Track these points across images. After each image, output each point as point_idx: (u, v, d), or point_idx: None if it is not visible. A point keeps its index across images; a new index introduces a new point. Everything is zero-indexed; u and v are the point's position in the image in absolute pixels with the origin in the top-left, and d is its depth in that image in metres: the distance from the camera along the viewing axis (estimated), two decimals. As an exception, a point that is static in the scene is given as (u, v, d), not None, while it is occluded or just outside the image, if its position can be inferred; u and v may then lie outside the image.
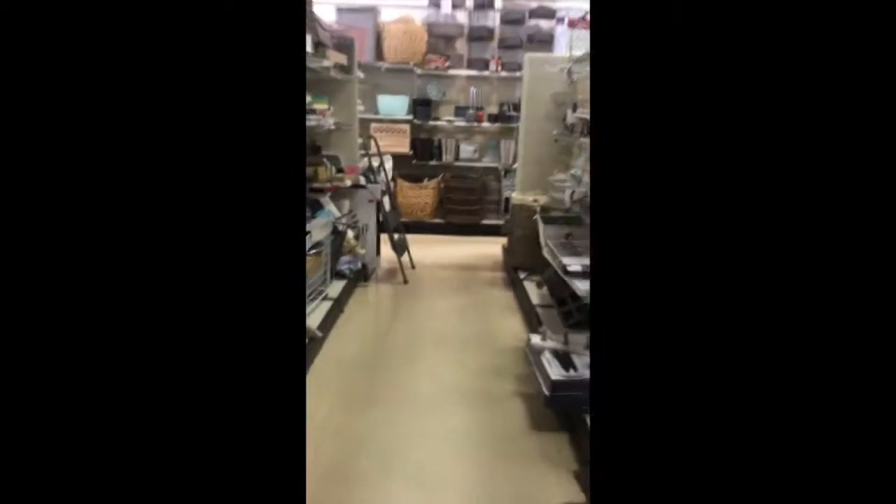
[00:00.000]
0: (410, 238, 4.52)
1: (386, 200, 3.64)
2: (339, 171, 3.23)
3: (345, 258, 3.19)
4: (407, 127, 5.06)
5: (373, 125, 5.06)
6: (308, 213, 2.82)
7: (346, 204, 3.27)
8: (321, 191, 2.77)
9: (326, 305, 2.76)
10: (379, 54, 4.94)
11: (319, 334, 2.36)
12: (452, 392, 2.17)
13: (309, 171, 2.52)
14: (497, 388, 2.22)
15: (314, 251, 2.30)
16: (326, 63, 2.62)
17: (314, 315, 2.59)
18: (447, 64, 4.98)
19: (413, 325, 2.86)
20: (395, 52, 4.88)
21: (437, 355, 2.52)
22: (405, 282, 3.56)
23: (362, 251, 3.28)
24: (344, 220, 3.06)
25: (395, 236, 3.64)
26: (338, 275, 3.16)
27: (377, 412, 2.01)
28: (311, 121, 2.58)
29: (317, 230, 2.48)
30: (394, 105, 5.05)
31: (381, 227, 3.61)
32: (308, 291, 2.55)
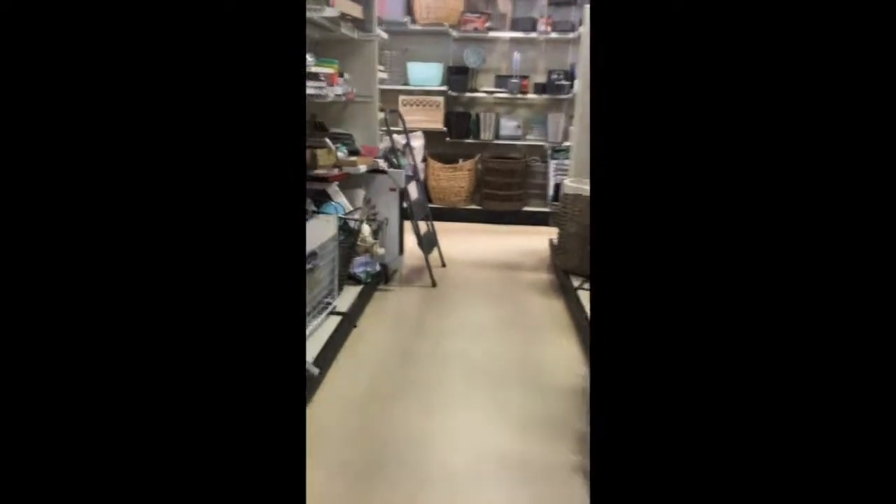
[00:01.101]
0: (442, 227, 3.92)
1: (412, 188, 3.05)
2: (354, 153, 2.64)
3: (360, 259, 2.63)
4: (440, 99, 4.42)
5: (401, 98, 4.43)
6: (309, 209, 2.25)
7: (361, 194, 2.69)
8: (323, 180, 2.19)
9: (333, 323, 2.21)
10: (409, 14, 4.28)
11: (315, 371, 1.81)
12: (488, 461, 1.59)
13: (306, 155, 1.94)
14: (550, 455, 1.63)
15: (310, 265, 1.74)
16: (330, 12, 2.00)
17: (315, 338, 2.04)
18: (487, 25, 4.29)
19: (439, 348, 2.29)
20: (427, 11, 4.22)
21: (469, 398, 1.94)
22: (433, 284, 2.98)
23: (381, 251, 2.71)
24: (357, 215, 2.48)
25: (423, 230, 3.05)
26: (351, 279, 2.61)
27: (386, 493, 1.45)
28: (310, 89, 1.98)
29: (316, 232, 1.91)
30: (426, 74, 4.40)
31: (406, 217, 3.02)
32: (306, 309, 2.00)
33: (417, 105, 4.45)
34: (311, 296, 2.06)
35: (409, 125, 4.52)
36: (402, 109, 4.45)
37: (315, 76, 2.11)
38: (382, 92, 4.68)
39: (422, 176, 4.53)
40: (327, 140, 2.20)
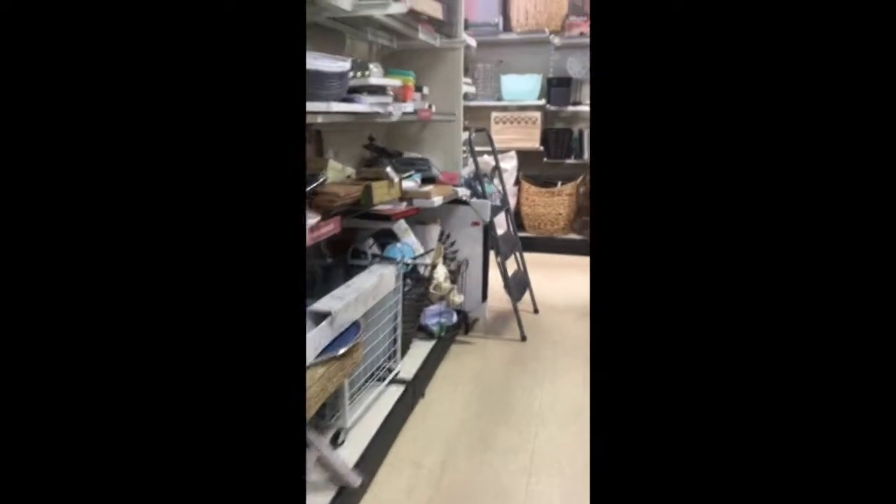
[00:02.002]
0: (535, 260, 3.38)
1: (500, 220, 2.56)
2: (429, 180, 2.21)
3: (433, 309, 2.18)
4: (538, 115, 3.91)
5: (493, 115, 3.98)
6: (368, 253, 1.83)
7: (436, 230, 2.24)
8: (386, 217, 1.77)
9: (394, 394, 1.76)
10: (505, 22, 3.83)
11: (356, 482, 1.35)
12: None
13: (352, 190, 1.50)
14: None
15: (355, 337, 1.30)
16: (397, 8, 1.58)
17: (365, 422, 1.61)
18: (595, 29, 3.73)
19: (527, 441, 1.76)
20: (525, 16, 3.74)
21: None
22: (522, 338, 2.46)
23: (459, 298, 2.24)
24: (429, 258, 2.03)
25: (511, 270, 2.54)
26: (421, 330, 2.16)
27: None
28: (364, 105, 1.57)
29: (368, 288, 1.47)
30: (522, 87, 3.92)
31: (489, 251, 2.53)
32: (354, 389, 1.56)
33: (511, 122, 3.97)
34: (366, 364, 1.62)
35: (500, 145, 4.05)
36: (493, 128, 3.99)
37: (379, 90, 1.69)
38: (471, 109, 4.24)
39: (513, 202, 4.02)
40: (389, 170, 1.77)
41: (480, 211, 2.33)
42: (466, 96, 4.02)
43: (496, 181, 2.72)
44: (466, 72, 4.03)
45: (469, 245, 2.39)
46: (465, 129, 2.51)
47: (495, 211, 2.43)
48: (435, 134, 2.44)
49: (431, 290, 2.14)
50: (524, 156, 4.03)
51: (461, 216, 2.37)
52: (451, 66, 2.37)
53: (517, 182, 4.05)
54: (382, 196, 1.61)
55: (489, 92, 4.03)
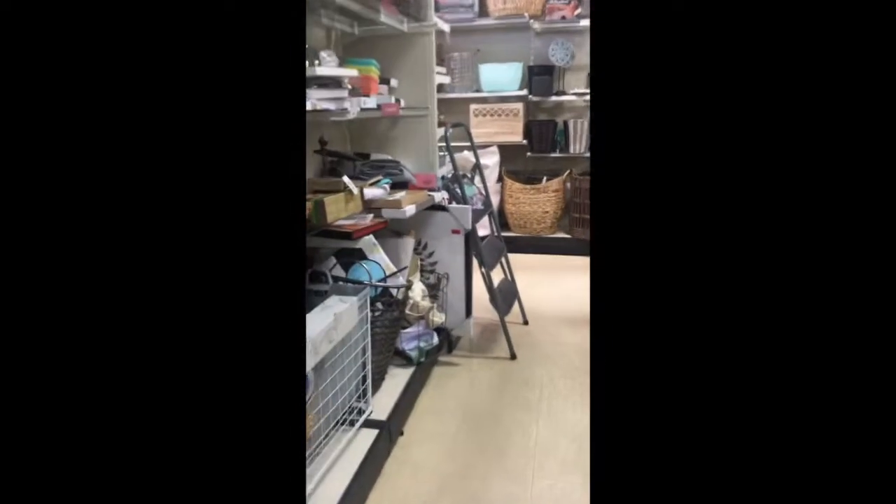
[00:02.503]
0: (521, 262, 3.13)
1: (484, 223, 2.30)
2: (401, 186, 1.93)
3: (410, 332, 1.91)
4: (519, 106, 3.65)
5: (472, 108, 3.71)
6: (329, 279, 1.55)
7: (408, 243, 1.97)
8: (346, 235, 1.48)
9: (367, 439, 1.50)
10: (481, 7, 3.56)
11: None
12: None
13: (307, 205, 1.22)
14: None
15: (309, 391, 1.02)
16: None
17: (333, 476, 1.34)
18: (578, 12, 3.47)
19: (525, 487, 1.51)
20: (503, 1, 3.47)
21: None
22: (512, 356, 2.21)
23: (439, 318, 1.97)
24: (402, 277, 1.76)
25: (497, 281, 2.28)
26: (398, 355, 1.89)
27: None
28: (314, 101, 1.28)
29: (320, 328, 1.20)
30: (501, 77, 3.65)
31: (471, 260, 2.26)
32: (314, 446, 1.29)
33: (492, 115, 3.70)
34: (328, 414, 1.35)
35: (481, 140, 3.78)
36: (473, 122, 3.72)
37: (332, 82, 1.41)
38: (447, 102, 3.95)
39: (496, 200, 3.76)
40: (346, 179, 1.49)
41: (461, 217, 2.06)
42: (441, 88, 3.74)
43: (477, 181, 2.46)
44: (441, 62, 3.75)
45: (449, 255, 2.12)
46: (441, 124, 2.24)
47: (477, 215, 2.17)
48: (407, 132, 2.17)
49: (408, 311, 1.87)
50: (507, 150, 3.77)
51: (440, 224, 2.10)
52: (422, 53, 2.10)
53: (500, 178, 3.80)
54: (338, 212, 1.34)
55: (467, 83, 3.76)
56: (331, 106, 1.35)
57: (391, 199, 1.70)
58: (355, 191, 1.43)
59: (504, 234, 3.83)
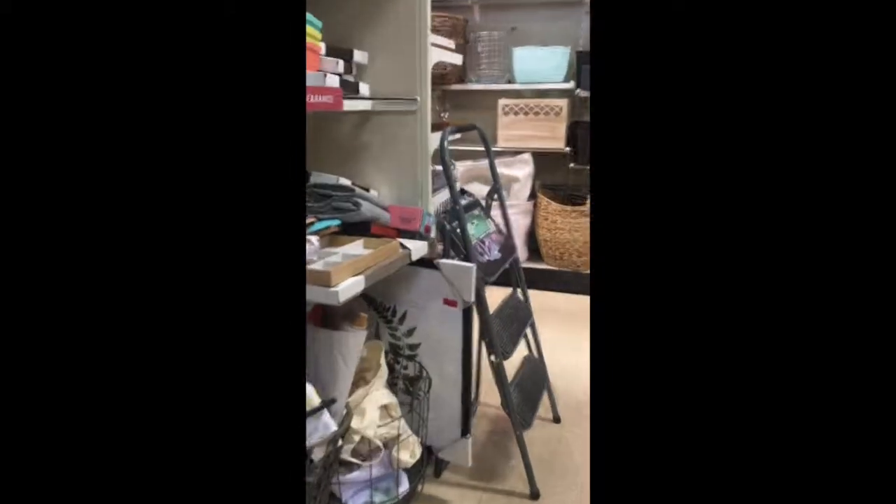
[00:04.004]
0: (554, 303, 2.31)
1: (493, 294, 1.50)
2: (357, 228, 1.15)
3: (358, 477, 1.13)
4: (563, 103, 2.81)
5: (502, 103, 2.89)
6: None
7: (352, 341, 1.13)
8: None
9: None
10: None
11: None
12: None
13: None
14: None
15: None
16: None
17: None
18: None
19: None
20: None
21: None
22: (534, 495, 1.40)
23: (412, 457, 1.18)
24: (329, 419, 0.96)
25: (518, 363, 1.48)
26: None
27: None
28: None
29: None
30: (541, 64, 2.82)
31: (470, 341, 1.44)
32: None
33: (526, 113, 2.88)
34: None
35: (511, 144, 2.96)
36: (501, 121, 2.90)
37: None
38: (464, 94, 3.07)
39: (526, 222, 2.94)
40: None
41: (458, 281, 1.26)
42: (448, 75, 2.90)
43: (497, 212, 1.65)
44: (464, 41, 2.95)
45: (439, 334, 1.33)
46: (441, 126, 1.44)
47: (491, 269, 1.37)
48: (382, 137, 1.38)
49: (353, 445, 1.09)
50: (543, 160, 2.94)
51: (426, 284, 1.31)
52: (409, 14, 1.30)
53: (533, 194, 2.97)
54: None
55: (496, 71, 2.94)
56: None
57: (316, 268, 0.92)
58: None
59: (535, 265, 3.05)
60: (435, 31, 2.78)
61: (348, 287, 0.93)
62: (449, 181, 1.31)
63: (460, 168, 2.95)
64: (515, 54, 2.85)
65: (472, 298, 1.26)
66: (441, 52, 1.43)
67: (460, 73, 3.00)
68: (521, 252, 3.00)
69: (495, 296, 1.60)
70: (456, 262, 1.26)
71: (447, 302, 1.28)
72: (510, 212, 2.91)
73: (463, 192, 3.12)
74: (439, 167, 1.37)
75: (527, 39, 2.91)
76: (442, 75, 2.88)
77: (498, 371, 1.38)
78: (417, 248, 1.22)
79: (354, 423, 1.05)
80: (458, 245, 1.33)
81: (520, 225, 2.93)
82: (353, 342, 1.06)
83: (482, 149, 1.67)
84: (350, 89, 1.18)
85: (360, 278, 0.98)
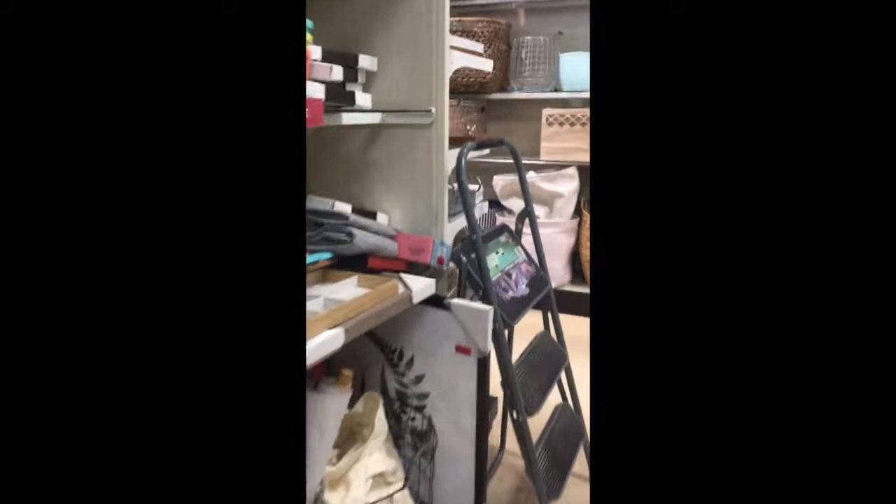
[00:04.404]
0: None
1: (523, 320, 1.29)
2: (355, 261, 0.98)
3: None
4: (613, 114, 2.56)
5: (546, 113, 2.68)
6: None
7: (332, 405, 0.95)
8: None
9: None
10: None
11: None
12: None
13: None
14: None
15: None
16: None
17: None
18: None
19: None
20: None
21: None
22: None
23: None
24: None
25: (549, 414, 1.27)
26: None
27: None
28: None
29: None
30: (587, 71, 2.59)
31: (486, 395, 1.23)
32: None
33: (572, 124, 2.65)
34: None
35: (556, 157, 2.73)
36: (545, 132, 2.68)
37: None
38: (506, 104, 2.88)
39: (569, 242, 2.71)
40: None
41: (472, 326, 1.06)
42: (482, 83, 2.69)
43: (529, 240, 1.44)
44: (508, 47, 2.75)
45: (450, 386, 1.14)
46: (462, 140, 1.25)
47: (515, 309, 1.17)
48: (394, 152, 1.21)
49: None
50: (590, 174, 2.70)
51: (436, 328, 1.12)
52: (425, 15, 1.12)
53: (577, 212, 2.73)
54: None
55: (541, 79, 2.73)
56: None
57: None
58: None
59: (576, 288, 2.74)
60: (473, 36, 2.61)
61: (320, 345, 0.76)
62: (465, 206, 1.11)
63: (499, 183, 2.75)
64: (562, 60, 2.63)
65: (489, 348, 1.05)
66: (464, 56, 1.25)
67: (502, 82, 2.81)
68: (564, 274, 2.75)
69: (525, 327, 1.39)
70: (470, 303, 1.07)
71: (460, 349, 1.09)
72: (552, 231, 2.68)
73: (500, 206, 2.87)
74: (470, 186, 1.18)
75: (575, 45, 2.68)
76: (482, 83, 2.70)
77: (521, 429, 1.17)
78: (422, 288, 1.03)
79: (334, 500, 0.88)
80: (475, 279, 1.14)
81: (562, 245, 2.69)
82: (333, 406, 0.88)
83: (525, 161, 1.46)
84: (347, 100, 1.01)
85: (340, 331, 0.80)
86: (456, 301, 1.07)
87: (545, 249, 1.47)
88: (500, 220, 2.79)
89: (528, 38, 2.71)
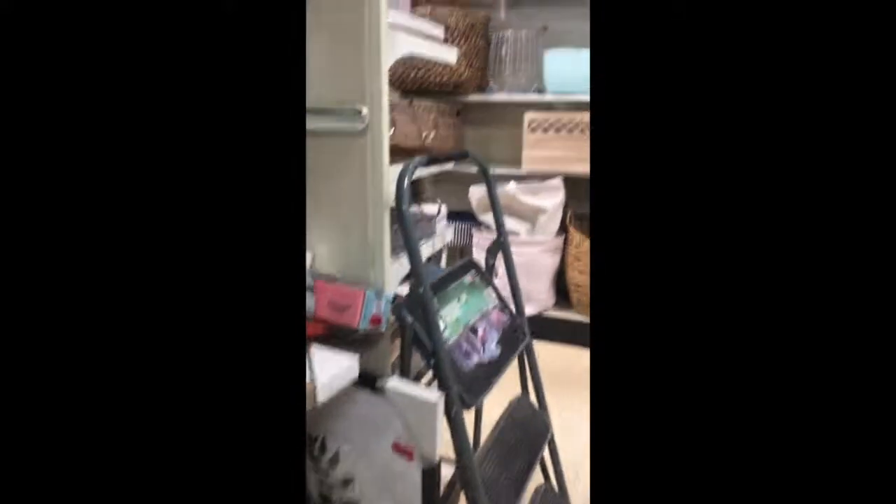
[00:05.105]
0: (584, 362, 1.76)
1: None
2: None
3: None
4: (603, 119, 2.27)
5: (528, 117, 2.38)
6: None
7: None
8: None
9: None
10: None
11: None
12: None
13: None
14: None
15: None
16: None
17: None
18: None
19: None
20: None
21: None
22: None
23: None
24: None
25: (527, 498, 0.95)
26: None
27: None
28: None
29: None
30: (577, 71, 2.31)
31: None
32: None
33: (557, 129, 2.35)
34: None
35: (539, 167, 2.42)
36: (528, 139, 2.39)
37: None
38: (481, 107, 2.53)
39: (554, 261, 2.40)
40: None
41: (415, 420, 0.75)
42: (458, 84, 2.31)
43: (501, 279, 1.13)
44: (486, 43, 2.45)
45: (386, 494, 0.82)
46: (419, 150, 0.94)
47: (480, 382, 0.86)
48: (319, 169, 0.89)
49: None
50: (577, 186, 2.42)
51: (365, 416, 0.80)
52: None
53: (563, 228, 2.44)
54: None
55: (522, 80, 2.43)
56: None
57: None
58: None
59: (560, 313, 2.41)
60: (447, 31, 2.29)
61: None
62: (409, 247, 0.79)
63: (476, 194, 2.44)
64: (547, 58, 2.34)
65: (436, 456, 0.74)
66: (413, 40, 0.93)
67: (480, 82, 2.50)
68: (548, 298, 2.45)
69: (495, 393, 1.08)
70: (413, 389, 0.75)
71: (399, 449, 0.77)
72: (535, 249, 2.36)
73: (476, 221, 2.53)
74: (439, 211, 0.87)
75: (561, 41, 2.39)
76: (457, 84, 2.39)
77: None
78: (337, 374, 0.71)
79: None
80: (425, 347, 0.82)
81: (546, 265, 2.39)
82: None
83: (506, 171, 1.15)
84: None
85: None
86: (393, 384, 0.75)
87: (527, 270, 1.17)
88: (475, 236, 2.47)
89: (510, 32, 2.41)
